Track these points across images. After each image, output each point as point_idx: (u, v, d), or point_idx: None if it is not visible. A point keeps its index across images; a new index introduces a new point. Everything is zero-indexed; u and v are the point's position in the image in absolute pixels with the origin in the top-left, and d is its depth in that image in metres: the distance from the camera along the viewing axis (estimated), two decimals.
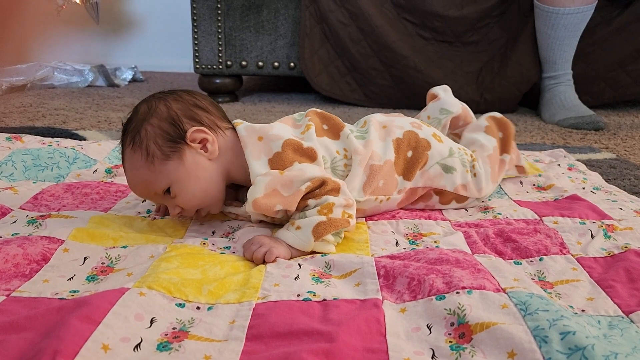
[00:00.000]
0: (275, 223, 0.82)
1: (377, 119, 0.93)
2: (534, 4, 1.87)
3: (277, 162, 0.78)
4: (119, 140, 0.81)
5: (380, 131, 0.90)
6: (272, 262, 0.70)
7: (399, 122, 0.93)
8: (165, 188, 0.77)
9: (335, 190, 0.76)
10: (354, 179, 0.83)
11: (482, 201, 0.95)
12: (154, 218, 0.86)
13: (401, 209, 0.91)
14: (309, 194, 0.76)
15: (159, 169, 0.76)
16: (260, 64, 2.09)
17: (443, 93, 1.09)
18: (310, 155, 0.81)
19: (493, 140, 0.98)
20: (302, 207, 0.76)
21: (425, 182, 0.89)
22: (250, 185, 0.78)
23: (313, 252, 0.74)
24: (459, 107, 1.07)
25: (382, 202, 0.87)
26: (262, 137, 0.81)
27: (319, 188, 0.76)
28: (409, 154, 0.88)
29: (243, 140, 0.81)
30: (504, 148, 0.99)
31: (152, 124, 0.78)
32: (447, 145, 0.92)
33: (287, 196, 0.75)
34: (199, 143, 0.80)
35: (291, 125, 0.87)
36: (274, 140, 0.80)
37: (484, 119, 1.04)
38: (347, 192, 0.78)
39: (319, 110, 0.91)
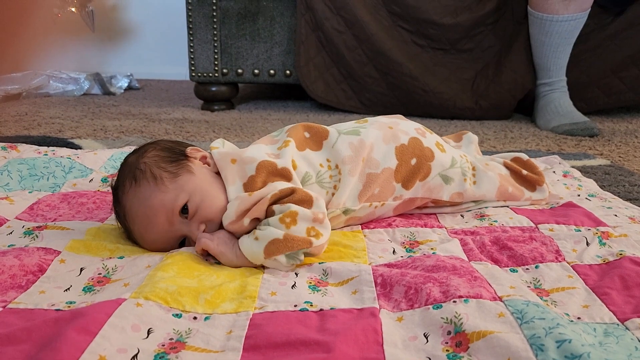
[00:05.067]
0: None
1: (381, 119, 0.93)
2: (527, 11, 1.88)
3: (250, 185, 0.77)
4: (110, 185, 0.80)
5: (385, 131, 0.89)
6: (200, 252, 0.73)
7: (404, 127, 0.92)
8: (184, 203, 0.73)
9: (305, 202, 0.72)
10: (346, 189, 0.82)
11: (479, 208, 0.95)
12: None
13: (397, 216, 0.92)
14: (276, 202, 0.73)
15: (171, 186, 0.74)
16: (256, 71, 2.09)
17: (466, 142, 1.08)
18: (284, 176, 0.79)
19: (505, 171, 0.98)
20: (269, 214, 0.73)
21: (425, 194, 0.89)
22: None
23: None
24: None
25: (376, 208, 0.87)
26: (235, 159, 0.80)
27: (287, 197, 0.73)
28: (413, 161, 0.88)
29: (218, 164, 0.80)
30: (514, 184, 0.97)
31: (148, 157, 0.77)
32: (450, 154, 0.92)
33: (255, 207, 0.73)
34: (199, 160, 0.81)
35: (268, 142, 0.87)
36: (248, 163, 0.79)
37: (509, 160, 1.02)
38: (322, 206, 0.73)
39: (306, 123, 0.91)
